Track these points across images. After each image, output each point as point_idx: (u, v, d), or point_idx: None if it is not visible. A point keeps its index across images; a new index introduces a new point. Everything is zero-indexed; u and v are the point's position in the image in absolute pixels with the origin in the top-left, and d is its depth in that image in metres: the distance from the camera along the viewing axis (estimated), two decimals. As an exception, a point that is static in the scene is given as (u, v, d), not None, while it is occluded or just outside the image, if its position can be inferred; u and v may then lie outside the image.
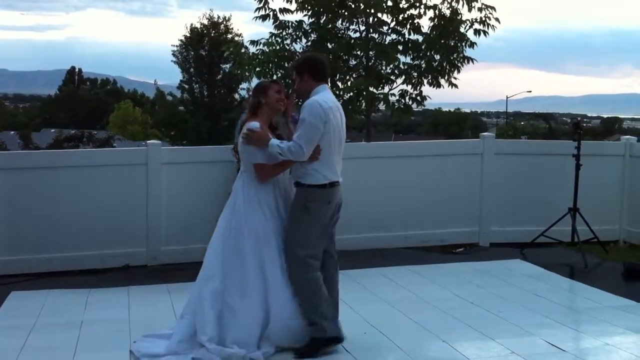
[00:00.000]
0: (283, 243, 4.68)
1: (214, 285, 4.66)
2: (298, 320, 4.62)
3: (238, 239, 4.68)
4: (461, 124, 70.56)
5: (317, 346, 4.62)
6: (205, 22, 41.42)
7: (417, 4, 11.30)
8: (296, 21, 11.46)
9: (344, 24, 11.65)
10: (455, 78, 11.43)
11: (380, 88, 11.77)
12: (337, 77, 11.67)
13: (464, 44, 11.21)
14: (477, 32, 11.06)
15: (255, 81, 11.98)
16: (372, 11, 11.30)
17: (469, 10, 11.09)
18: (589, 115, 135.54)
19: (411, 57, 11.56)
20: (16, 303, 5.89)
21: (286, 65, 11.41)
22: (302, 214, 4.67)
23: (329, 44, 11.49)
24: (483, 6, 10.97)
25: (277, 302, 4.61)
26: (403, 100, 11.85)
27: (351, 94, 11.58)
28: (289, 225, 4.70)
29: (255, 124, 4.70)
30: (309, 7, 11.31)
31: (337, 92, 11.66)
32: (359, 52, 11.64)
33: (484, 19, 11.00)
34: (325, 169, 4.69)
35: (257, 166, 4.68)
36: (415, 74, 11.49)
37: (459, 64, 11.31)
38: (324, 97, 4.74)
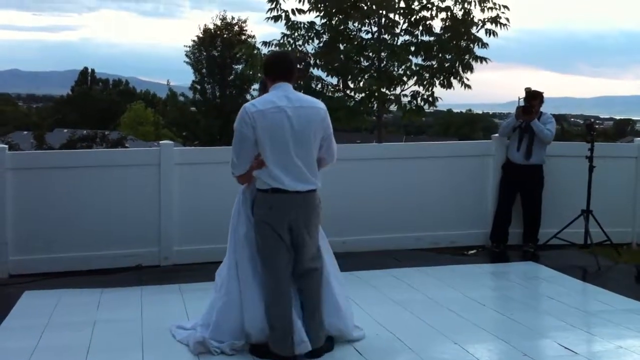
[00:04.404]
0: None
1: (217, 280, 4.92)
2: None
3: (229, 241, 4.81)
4: (473, 125, 70.28)
5: (269, 354, 4.55)
6: (219, 23, 41.54)
7: (429, 6, 11.31)
8: (308, 22, 11.49)
9: (356, 25, 11.66)
10: (467, 79, 11.43)
11: (391, 89, 11.77)
12: (349, 78, 11.68)
13: (476, 44, 11.21)
14: (488, 32, 11.05)
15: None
16: (384, 12, 11.31)
17: (482, 10, 11.09)
18: (602, 116, 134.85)
19: (423, 58, 11.56)
20: (29, 303, 5.91)
21: (299, 66, 11.42)
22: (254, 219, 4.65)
23: (340, 45, 11.51)
24: (495, 5, 10.96)
25: (248, 302, 4.64)
26: (415, 101, 11.86)
27: (363, 95, 11.60)
28: None
29: None
30: (321, 8, 11.33)
31: (349, 93, 11.68)
32: (370, 53, 11.65)
33: (495, 17, 10.99)
34: (264, 175, 4.47)
35: None
36: (427, 75, 11.49)
37: (471, 64, 11.30)
38: (262, 98, 4.55)
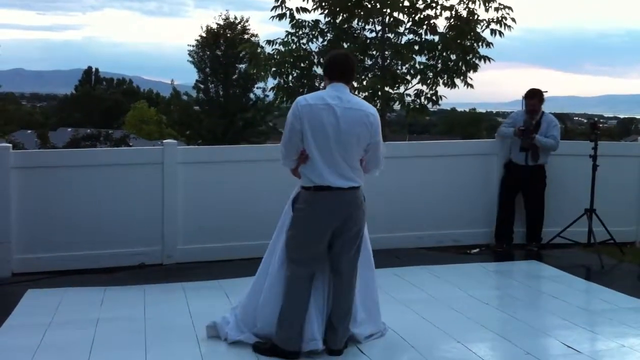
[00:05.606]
0: None
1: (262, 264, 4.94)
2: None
3: (276, 230, 4.87)
4: (477, 124, 70.21)
5: (271, 350, 4.55)
6: (222, 22, 41.57)
7: (434, 5, 11.29)
8: (312, 21, 11.48)
9: (360, 23, 11.65)
10: (470, 78, 11.41)
11: (395, 88, 11.76)
12: (353, 77, 11.70)
13: (480, 43, 11.18)
14: (493, 32, 11.03)
15: (270, 81, 12.03)
16: (389, 11, 11.29)
17: (486, 10, 11.06)
18: (606, 115, 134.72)
19: (427, 57, 11.54)
20: (32, 301, 5.92)
21: (302, 65, 11.44)
22: (293, 214, 4.67)
23: (344, 44, 11.50)
24: (500, 6, 10.93)
25: (267, 290, 4.68)
26: (418, 100, 11.84)
27: (366, 93, 11.58)
28: None
29: None
30: (326, 6, 11.33)
31: (353, 92, 11.68)
32: (374, 52, 11.64)
33: (500, 18, 10.97)
34: (308, 171, 4.52)
35: None
36: (430, 74, 11.47)
37: (476, 63, 11.27)
38: (315, 94, 4.64)
